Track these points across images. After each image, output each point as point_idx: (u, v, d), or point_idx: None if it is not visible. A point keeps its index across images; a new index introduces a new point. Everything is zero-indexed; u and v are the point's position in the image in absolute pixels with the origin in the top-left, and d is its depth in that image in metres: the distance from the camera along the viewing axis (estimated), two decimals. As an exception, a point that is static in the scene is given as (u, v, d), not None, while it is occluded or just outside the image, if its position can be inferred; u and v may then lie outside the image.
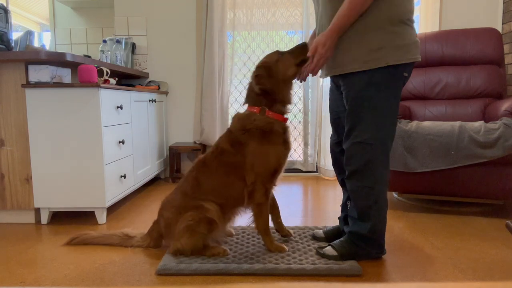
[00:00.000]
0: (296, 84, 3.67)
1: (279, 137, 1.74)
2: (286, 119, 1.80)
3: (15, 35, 2.62)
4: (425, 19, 3.50)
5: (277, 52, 1.76)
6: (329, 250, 1.72)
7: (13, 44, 2.39)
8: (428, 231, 2.13)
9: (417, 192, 2.51)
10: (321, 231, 1.99)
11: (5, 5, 2.67)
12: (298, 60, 1.72)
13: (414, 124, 2.43)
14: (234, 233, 2.03)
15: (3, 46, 2.26)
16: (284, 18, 3.63)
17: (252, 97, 1.78)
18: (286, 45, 3.71)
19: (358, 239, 1.70)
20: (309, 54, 1.65)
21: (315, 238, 1.96)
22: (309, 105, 3.70)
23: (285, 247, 1.80)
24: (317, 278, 1.56)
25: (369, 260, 1.72)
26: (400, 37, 1.55)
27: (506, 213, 2.46)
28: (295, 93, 3.71)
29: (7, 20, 2.30)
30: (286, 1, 3.60)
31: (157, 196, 2.99)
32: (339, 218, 1.96)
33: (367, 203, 1.65)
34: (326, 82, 3.50)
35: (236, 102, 3.80)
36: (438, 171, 2.34)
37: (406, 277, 1.58)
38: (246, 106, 1.82)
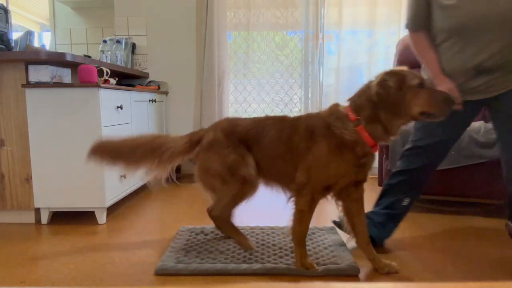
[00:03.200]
0: (296, 84, 3.74)
1: (353, 158, 1.51)
2: (376, 147, 1.54)
3: (15, 35, 2.62)
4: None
5: (420, 77, 1.49)
6: None
7: (13, 44, 2.39)
8: (428, 231, 2.12)
9: (417, 192, 2.50)
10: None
11: (5, 5, 2.66)
12: (429, 110, 1.47)
13: (414, 124, 2.43)
14: (255, 247, 1.84)
15: (3, 46, 2.26)
16: (284, 18, 3.63)
17: (360, 100, 1.53)
18: (286, 45, 3.70)
19: None
20: (457, 106, 1.59)
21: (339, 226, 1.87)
22: (309, 105, 3.69)
23: (316, 266, 1.60)
24: (316, 278, 1.56)
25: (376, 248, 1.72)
26: None
27: (506, 213, 2.45)
28: (295, 93, 3.72)
29: (7, 20, 2.30)
30: (286, 1, 3.60)
31: (157, 196, 2.99)
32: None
33: None
34: (326, 82, 3.49)
35: (236, 102, 3.79)
36: (438, 171, 2.32)
37: (405, 277, 1.58)
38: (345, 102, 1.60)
